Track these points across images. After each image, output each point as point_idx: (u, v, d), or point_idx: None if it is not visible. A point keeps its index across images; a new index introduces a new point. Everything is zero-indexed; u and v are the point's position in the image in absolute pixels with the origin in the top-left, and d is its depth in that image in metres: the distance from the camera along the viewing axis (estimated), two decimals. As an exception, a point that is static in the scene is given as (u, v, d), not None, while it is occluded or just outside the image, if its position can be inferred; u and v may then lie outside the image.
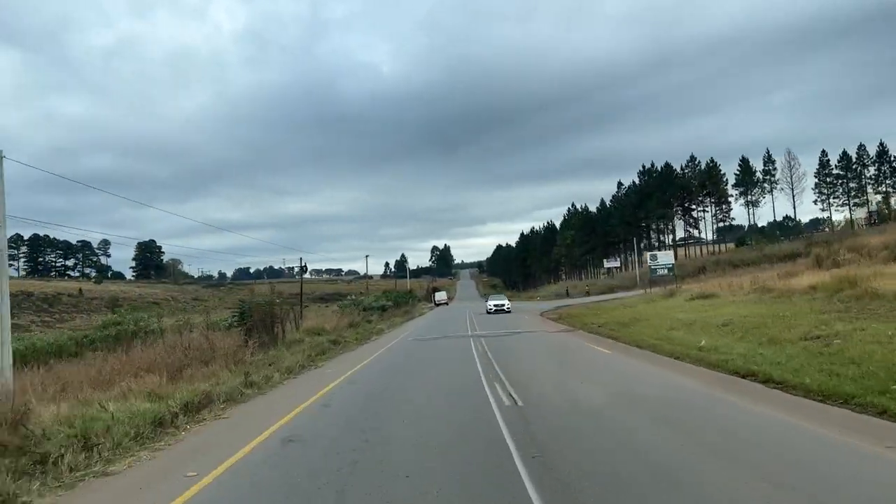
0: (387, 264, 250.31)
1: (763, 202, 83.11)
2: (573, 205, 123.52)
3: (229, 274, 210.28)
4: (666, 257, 50.28)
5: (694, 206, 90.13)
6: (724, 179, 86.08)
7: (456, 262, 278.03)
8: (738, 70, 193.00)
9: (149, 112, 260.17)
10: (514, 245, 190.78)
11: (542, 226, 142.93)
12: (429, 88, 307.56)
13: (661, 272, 49.15)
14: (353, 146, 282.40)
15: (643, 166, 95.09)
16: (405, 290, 68.54)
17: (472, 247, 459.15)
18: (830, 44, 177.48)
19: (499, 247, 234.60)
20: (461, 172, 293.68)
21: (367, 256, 65.31)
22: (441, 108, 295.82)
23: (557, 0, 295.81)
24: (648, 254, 51.98)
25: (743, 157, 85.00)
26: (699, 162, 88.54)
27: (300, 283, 47.70)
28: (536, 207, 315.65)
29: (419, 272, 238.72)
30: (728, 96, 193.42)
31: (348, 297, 45.81)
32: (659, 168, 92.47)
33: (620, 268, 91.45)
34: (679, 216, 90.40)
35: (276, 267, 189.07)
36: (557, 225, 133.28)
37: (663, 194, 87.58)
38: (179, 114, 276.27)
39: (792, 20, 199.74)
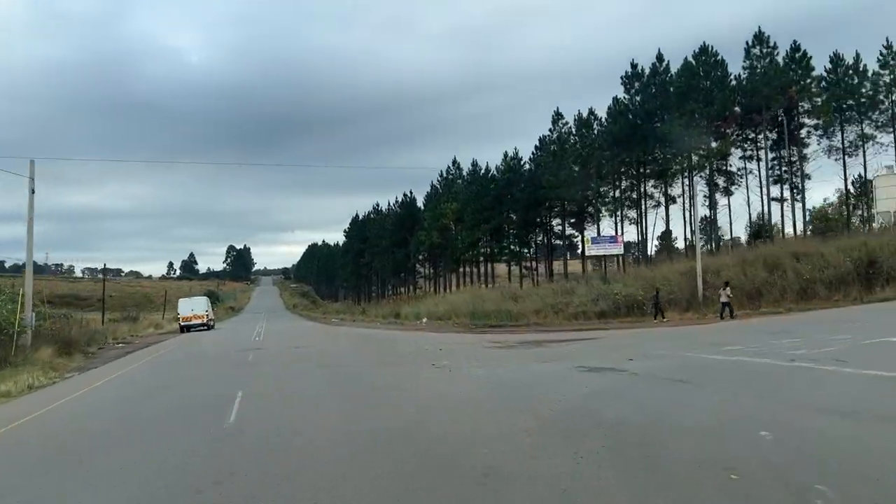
0: (170, 264, 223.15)
1: (875, 144, 40.47)
2: (454, 163, 74.60)
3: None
4: None
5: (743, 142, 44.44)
6: (815, 83, 41.77)
7: (259, 267, 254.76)
8: (552, 98, 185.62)
9: None
10: (334, 244, 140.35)
11: (393, 202, 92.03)
12: (240, 84, 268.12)
13: None
14: (149, 137, 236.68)
15: (632, 64, 48.26)
16: None
17: (278, 254, 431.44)
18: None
19: (313, 246, 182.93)
20: (270, 176, 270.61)
21: None
22: (252, 107, 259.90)
23: (377, 11, 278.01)
24: None
25: (835, 54, 42.75)
26: (774, 44, 42.32)
27: None
28: (350, 217, 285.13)
29: (209, 275, 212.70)
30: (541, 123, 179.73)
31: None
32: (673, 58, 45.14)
33: (620, 256, 43.64)
34: (704, 158, 43.73)
35: (39, 262, 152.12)
36: (420, 201, 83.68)
37: (683, 108, 41.53)
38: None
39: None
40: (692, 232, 39.79)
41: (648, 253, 52.76)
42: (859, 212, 53.38)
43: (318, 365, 16.18)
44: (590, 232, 51.75)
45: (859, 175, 46.03)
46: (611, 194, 53.28)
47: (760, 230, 48.29)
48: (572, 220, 57.77)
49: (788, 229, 45.03)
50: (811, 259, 29.04)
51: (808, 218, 47.00)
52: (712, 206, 45.09)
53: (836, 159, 42.34)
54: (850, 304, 25.02)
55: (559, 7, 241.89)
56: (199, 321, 46.12)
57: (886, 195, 44.15)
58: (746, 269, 29.85)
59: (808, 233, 43.36)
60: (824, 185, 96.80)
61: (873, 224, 45.99)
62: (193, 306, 47.17)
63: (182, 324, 45.98)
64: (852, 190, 52.35)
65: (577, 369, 13.12)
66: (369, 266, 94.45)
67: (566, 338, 22.67)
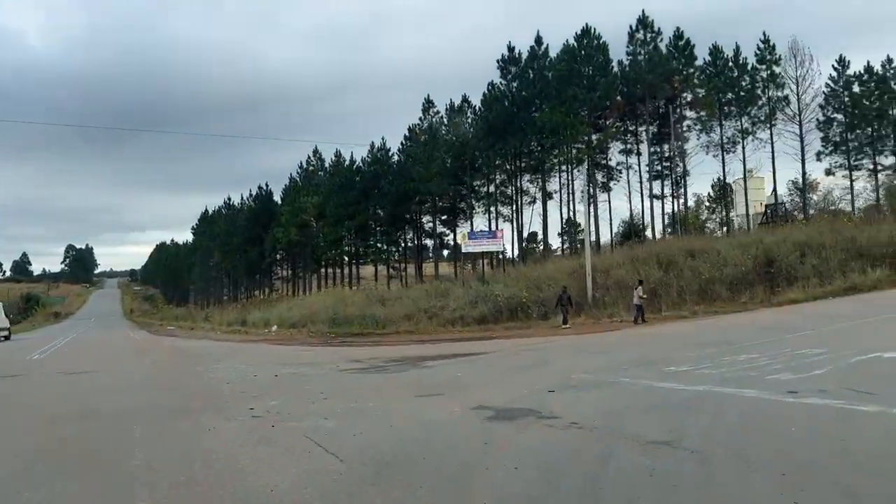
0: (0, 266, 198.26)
1: (751, 141, 40.14)
2: (316, 153, 68.16)
3: None
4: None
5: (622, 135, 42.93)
6: (698, 73, 40.69)
7: (104, 269, 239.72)
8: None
9: None
10: (183, 243, 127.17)
11: (247, 196, 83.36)
12: (90, 73, 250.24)
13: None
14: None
15: (509, 47, 44.69)
16: None
17: (126, 255, 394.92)
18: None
19: (161, 245, 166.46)
20: (119, 172, 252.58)
21: None
22: (101, 99, 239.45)
23: (241, 6, 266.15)
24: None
25: (714, 45, 40.78)
26: (658, 30, 40.23)
27: None
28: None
29: (43, 277, 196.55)
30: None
31: None
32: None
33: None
34: (584, 150, 41.35)
35: None
36: (278, 195, 76.19)
37: (563, 95, 38.92)
38: None
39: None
40: (576, 227, 37.15)
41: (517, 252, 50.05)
42: (715, 216, 54.18)
43: (64, 415, 9.96)
44: (462, 229, 48.07)
45: (718, 179, 46.29)
46: (484, 189, 49.88)
47: (632, 230, 47.15)
48: (444, 217, 53.79)
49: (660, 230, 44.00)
50: (708, 257, 26.80)
51: (668, 221, 46.71)
52: (590, 201, 42.86)
53: (714, 155, 41.61)
54: (758, 306, 22.64)
55: (433, 8, 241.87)
56: None
57: (746, 198, 44.61)
58: (639, 268, 27.03)
59: (668, 235, 42.75)
60: (703, 181, 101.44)
61: (732, 227, 46.30)
62: None
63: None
64: (712, 194, 53.08)
65: (480, 415, 8.22)
66: (219, 266, 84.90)
67: (448, 351, 17.93)
